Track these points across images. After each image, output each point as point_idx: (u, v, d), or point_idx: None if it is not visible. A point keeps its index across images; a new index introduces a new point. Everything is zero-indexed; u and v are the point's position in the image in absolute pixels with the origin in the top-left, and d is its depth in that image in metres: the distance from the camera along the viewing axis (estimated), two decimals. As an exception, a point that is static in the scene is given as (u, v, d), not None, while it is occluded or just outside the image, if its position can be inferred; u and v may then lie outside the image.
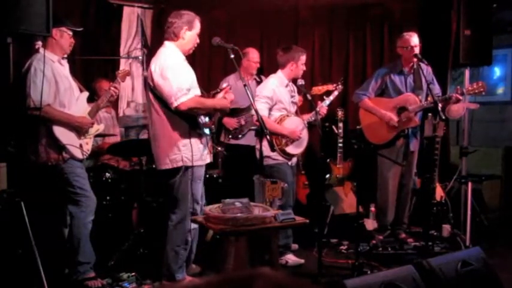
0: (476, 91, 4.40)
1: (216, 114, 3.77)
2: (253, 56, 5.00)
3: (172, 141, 3.44)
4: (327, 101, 4.47)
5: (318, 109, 4.32)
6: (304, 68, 4.38)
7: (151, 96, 3.50)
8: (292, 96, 4.41)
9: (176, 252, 3.53)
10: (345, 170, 5.24)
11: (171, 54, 3.48)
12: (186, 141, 3.44)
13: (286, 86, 4.34)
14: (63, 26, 3.63)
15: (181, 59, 3.52)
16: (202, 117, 3.56)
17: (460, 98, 4.41)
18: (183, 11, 3.53)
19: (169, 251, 3.54)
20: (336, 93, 4.56)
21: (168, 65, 3.40)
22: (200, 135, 3.53)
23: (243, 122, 4.92)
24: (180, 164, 3.45)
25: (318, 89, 4.60)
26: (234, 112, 4.92)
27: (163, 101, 3.42)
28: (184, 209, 3.50)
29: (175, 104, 3.34)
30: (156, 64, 3.44)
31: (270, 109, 4.23)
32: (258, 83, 4.93)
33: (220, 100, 3.55)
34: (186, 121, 3.45)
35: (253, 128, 4.75)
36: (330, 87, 4.60)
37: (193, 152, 3.44)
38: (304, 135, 4.36)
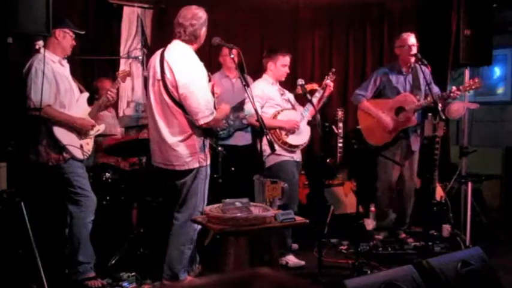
0: (473, 87, 4.41)
1: None
2: (226, 51, 4.97)
3: (190, 144, 3.42)
4: (319, 92, 4.45)
5: (317, 95, 4.36)
6: (287, 70, 4.37)
7: (169, 101, 3.39)
8: (282, 94, 4.43)
9: (181, 252, 3.51)
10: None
11: (192, 61, 3.39)
12: (201, 143, 3.45)
13: (273, 84, 4.38)
14: (67, 27, 3.64)
15: (200, 63, 3.44)
16: None
17: (458, 93, 4.42)
18: (195, 10, 3.44)
19: (173, 250, 3.51)
20: (328, 81, 4.49)
21: (194, 76, 3.34)
22: (211, 137, 3.57)
23: (230, 122, 4.92)
24: (196, 165, 3.44)
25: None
26: None
27: (183, 108, 3.38)
28: (192, 208, 3.50)
29: (200, 122, 3.33)
30: (179, 72, 3.34)
31: (262, 107, 4.26)
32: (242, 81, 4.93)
33: (225, 108, 3.62)
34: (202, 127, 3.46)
35: (240, 128, 4.76)
36: (315, 85, 4.60)
37: (206, 152, 3.48)
38: (304, 126, 4.37)
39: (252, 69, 5.12)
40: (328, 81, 4.44)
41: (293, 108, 4.46)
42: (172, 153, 3.43)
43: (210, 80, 3.59)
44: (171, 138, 3.42)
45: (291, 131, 4.28)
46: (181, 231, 3.52)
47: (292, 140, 4.28)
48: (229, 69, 4.93)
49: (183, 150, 3.42)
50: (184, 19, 3.41)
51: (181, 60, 3.38)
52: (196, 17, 3.42)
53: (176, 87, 3.34)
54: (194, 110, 3.32)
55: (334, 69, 4.59)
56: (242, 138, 4.85)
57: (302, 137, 4.35)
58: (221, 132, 4.93)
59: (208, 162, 3.54)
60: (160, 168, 3.54)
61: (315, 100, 4.32)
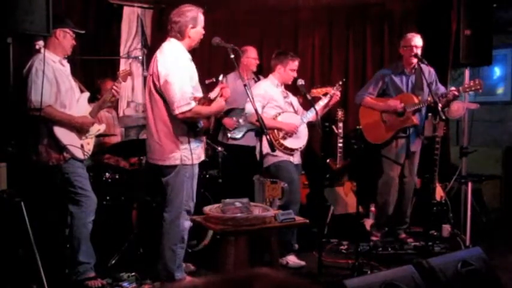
0: (473, 88, 4.40)
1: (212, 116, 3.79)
2: (252, 53, 5.04)
3: (172, 140, 3.46)
4: (325, 99, 4.47)
5: (320, 103, 4.40)
6: (294, 75, 4.38)
7: (155, 93, 3.48)
8: (285, 97, 4.44)
9: (173, 251, 3.53)
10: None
11: (177, 55, 3.46)
12: (185, 140, 3.46)
13: (277, 86, 4.39)
14: (67, 27, 3.65)
15: (187, 59, 3.51)
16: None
17: (457, 93, 4.42)
18: (185, 8, 3.51)
19: (166, 250, 3.53)
20: (332, 91, 4.52)
21: (174, 68, 3.39)
22: (198, 135, 3.55)
23: (241, 122, 4.93)
24: (178, 162, 3.46)
25: (317, 91, 4.60)
26: (233, 112, 4.94)
27: (166, 101, 3.43)
28: (177, 207, 3.52)
29: (176, 112, 3.36)
30: (162, 64, 3.43)
31: (263, 107, 4.27)
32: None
33: (216, 104, 3.55)
34: (185, 122, 3.47)
35: (252, 128, 4.76)
36: (329, 89, 4.61)
37: (192, 151, 3.47)
38: (302, 130, 4.37)
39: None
40: (335, 91, 4.47)
41: (295, 112, 4.47)
42: (157, 147, 3.50)
43: (223, 82, 3.68)
44: (156, 132, 3.50)
45: (289, 133, 4.29)
46: (170, 231, 3.54)
47: (289, 143, 4.29)
48: (247, 71, 4.97)
49: (166, 145, 3.46)
50: (172, 16, 3.52)
51: (166, 53, 3.48)
52: (182, 14, 3.48)
53: (158, 78, 3.42)
54: (171, 100, 3.37)
55: (341, 82, 4.64)
56: (253, 139, 4.85)
57: (299, 141, 4.36)
58: (232, 131, 4.95)
59: (195, 162, 3.52)
60: (150, 163, 3.62)
61: (318, 107, 4.34)
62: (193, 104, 3.38)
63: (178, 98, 3.34)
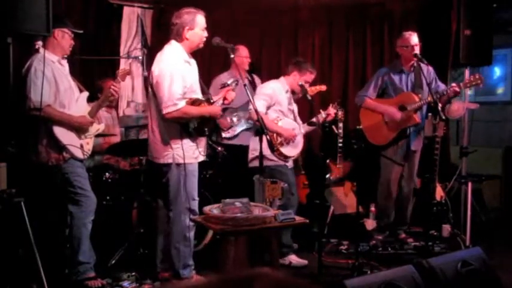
0: (474, 83, 4.38)
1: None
2: (243, 52, 5.04)
3: (165, 139, 3.52)
4: (323, 114, 4.52)
5: (323, 114, 4.49)
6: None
7: (151, 93, 3.58)
8: (289, 103, 4.44)
9: (177, 249, 3.57)
10: (345, 168, 5.22)
11: (173, 57, 3.49)
12: (178, 139, 3.51)
13: (286, 92, 4.38)
14: (65, 27, 3.65)
15: (183, 61, 3.52)
16: None
17: (457, 89, 4.40)
18: (184, 10, 3.54)
19: (172, 248, 3.59)
20: (331, 109, 4.57)
21: (165, 69, 3.44)
22: (191, 135, 3.55)
23: (235, 121, 4.94)
24: (170, 161, 3.51)
25: (311, 89, 4.61)
26: (227, 111, 4.94)
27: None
28: (180, 205, 3.54)
29: (163, 112, 3.43)
30: (156, 65, 3.50)
31: (268, 108, 4.26)
32: (250, 82, 4.98)
33: (210, 107, 3.58)
34: (178, 122, 3.50)
35: (246, 128, 4.77)
36: (323, 87, 4.62)
37: (184, 150, 3.48)
38: (299, 140, 4.37)
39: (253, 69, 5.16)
40: (332, 109, 4.54)
41: (294, 119, 4.47)
42: (153, 145, 3.59)
43: (237, 84, 3.75)
44: (152, 131, 3.59)
45: (287, 140, 4.28)
46: (174, 230, 3.58)
47: (285, 150, 4.28)
48: (241, 70, 4.98)
49: (160, 144, 3.53)
50: (172, 18, 3.58)
51: (162, 54, 3.54)
52: (180, 16, 3.52)
53: (153, 78, 3.51)
54: (160, 100, 3.44)
55: (339, 100, 4.78)
56: (248, 138, 4.85)
57: (296, 150, 4.38)
58: (226, 131, 4.96)
59: (188, 161, 3.53)
60: (150, 162, 3.70)
61: (314, 119, 4.44)
62: (181, 104, 3.41)
63: (165, 99, 3.40)
